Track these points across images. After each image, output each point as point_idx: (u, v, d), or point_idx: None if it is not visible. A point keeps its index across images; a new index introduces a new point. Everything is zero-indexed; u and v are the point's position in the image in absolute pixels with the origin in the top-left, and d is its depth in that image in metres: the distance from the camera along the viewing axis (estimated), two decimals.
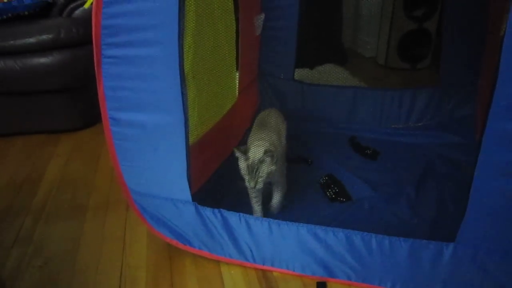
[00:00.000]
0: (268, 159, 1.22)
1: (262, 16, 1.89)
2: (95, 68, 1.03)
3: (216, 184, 1.47)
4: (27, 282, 1.22)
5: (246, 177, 1.24)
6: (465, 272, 1.05)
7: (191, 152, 1.15)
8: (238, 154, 1.24)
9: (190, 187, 1.16)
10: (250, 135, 1.40)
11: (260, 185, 1.24)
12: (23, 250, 1.34)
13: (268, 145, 1.28)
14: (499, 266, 1.02)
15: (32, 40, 1.89)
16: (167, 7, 0.94)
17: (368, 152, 1.81)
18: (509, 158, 0.89)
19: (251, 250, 1.20)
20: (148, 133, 1.09)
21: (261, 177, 1.22)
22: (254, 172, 1.21)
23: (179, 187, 1.16)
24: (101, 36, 0.99)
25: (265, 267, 1.22)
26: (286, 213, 1.39)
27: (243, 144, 1.54)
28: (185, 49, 1.05)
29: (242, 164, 1.24)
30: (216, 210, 1.18)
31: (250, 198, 1.34)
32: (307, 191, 1.55)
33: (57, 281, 1.22)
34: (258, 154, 1.23)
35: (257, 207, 1.35)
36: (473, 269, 1.04)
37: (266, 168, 1.22)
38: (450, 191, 1.51)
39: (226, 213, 1.18)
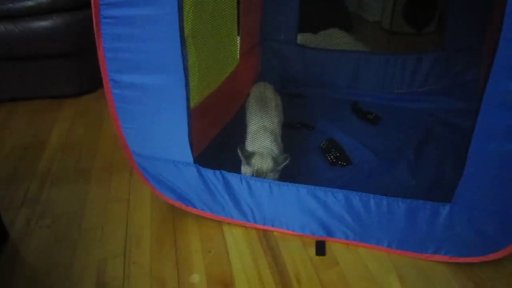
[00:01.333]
0: (278, 168, 1.23)
1: None
2: (94, 30, 1.02)
3: (218, 147, 1.48)
4: (35, 240, 1.26)
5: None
6: (460, 232, 1.08)
7: (192, 115, 1.16)
8: (242, 159, 1.23)
9: (191, 149, 1.17)
10: (251, 118, 1.39)
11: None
12: (31, 210, 1.38)
13: (275, 147, 1.28)
14: (494, 226, 1.05)
15: (30, 3, 1.86)
16: None
17: (370, 117, 1.81)
18: (508, 120, 0.90)
19: (251, 211, 1.23)
20: (149, 95, 1.10)
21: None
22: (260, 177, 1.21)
23: (181, 149, 1.17)
24: None
25: (265, 227, 1.25)
26: (287, 175, 1.41)
27: (244, 109, 1.55)
28: (185, 10, 1.04)
29: (247, 170, 1.23)
30: (217, 172, 1.20)
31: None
32: (308, 155, 1.56)
33: (65, 239, 1.26)
34: (266, 163, 1.22)
35: None
36: (468, 229, 1.07)
37: (272, 176, 1.23)
38: (451, 156, 1.52)
39: (227, 175, 1.20)
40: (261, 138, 1.31)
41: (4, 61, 1.99)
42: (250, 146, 1.31)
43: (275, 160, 1.24)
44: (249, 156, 1.24)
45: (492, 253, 1.08)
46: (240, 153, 1.23)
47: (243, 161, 1.24)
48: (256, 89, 1.50)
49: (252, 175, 1.22)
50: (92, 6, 0.98)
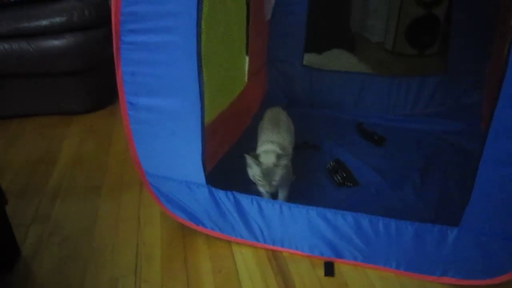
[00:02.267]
0: (282, 163, 1.26)
1: (273, 1, 1.90)
2: (114, 54, 1.06)
3: (227, 165, 1.51)
4: (46, 258, 1.28)
5: (260, 182, 1.26)
6: (467, 255, 1.10)
7: None
8: (250, 161, 1.26)
9: (204, 170, 1.20)
10: (262, 134, 1.43)
11: (274, 189, 1.27)
12: (42, 227, 1.40)
13: (278, 149, 1.31)
14: (500, 250, 1.07)
15: (45, 22, 1.91)
16: None
17: (375, 138, 1.84)
18: None
19: (261, 231, 1.25)
20: (164, 118, 1.13)
21: (275, 180, 1.25)
22: (270, 176, 1.24)
23: (194, 170, 1.20)
24: (121, 22, 1.02)
25: (275, 248, 1.27)
26: (294, 196, 1.43)
27: (251, 128, 1.58)
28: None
29: (256, 170, 1.26)
30: (229, 192, 1.23)
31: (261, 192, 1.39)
32: (315, 176, 1.59)
33: (76, 257, 1.28)
34: (271, 158, 1.25)
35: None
36: (475, 253, 1.09)
37: (280, 171, 1.25)
38: (455, 178, 1.54)
39: (239, 195, 1.22)
40: (268, 145, 1.34)
41: (16, 78, 2.03)
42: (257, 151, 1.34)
43: (278, 156, 1.26)
44: (256, 157, 1.27)
45: (498, 277, 1.10)
46: (248, 158, 1.26)
47: (250, 164, 1.27)
48: (270, 113, 1.54)
49: (262, 174, 1.24)
50: (113, 32, 1.02)
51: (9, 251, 1.26)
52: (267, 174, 1.24)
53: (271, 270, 1.21)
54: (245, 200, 1.22)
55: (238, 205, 1.23)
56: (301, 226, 1.21)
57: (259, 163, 1.24)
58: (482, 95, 1.88)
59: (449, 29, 1.98)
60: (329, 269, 1.21)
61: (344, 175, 1.56)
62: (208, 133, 1.34)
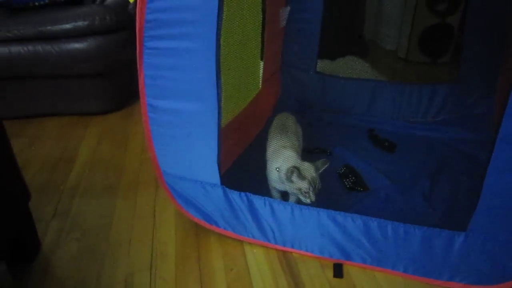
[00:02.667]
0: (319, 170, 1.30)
1: (288, 8, 1.94)
2: (137, 58, 1.11)
3: (241, 167, 1.55)
4: (65, 252, 1.33)
5: (307, 194, 1.27)
6: (474, 260, 1.12)
7: None
8: (294, 178, 1.27)
9: (219, 171, 1.24)
10: (270, 139, 1.47)
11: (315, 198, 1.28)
12: (61, 223, 1.46)
13: (296, 156, 1.36)
14: (507, 255, 1.09)
15: (68, 26, 1.98)
16: (207, 3, 1.02)
17: (386, 144, 1.87)
18: None
19: (273, 232, 1.29)
20: (183, 120, 1.18)
21: (319, 187, 1.29)
22: (316, 186, 1.28)
23: (209, 171, 1.25)
24: (144, 29, 1.07)
25: (285, 248, 1.31)
26: None
27: (264, 132, 1.62)
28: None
29: (302, 184, 1.27)
30: (242, 194, 1.27)
31: (272, 193, 1.43)
32: (326, 180, 1.60)
33: (93, 252, 1.33)
34: (310, 169, 1.29)
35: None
36: (482, 258, 1.11)
37: (317, 177, 1.29)
38: (464, 185, 1.56)
39: (252, 197, 1.27)
40: (284, 154, 1.37)
41: (38, 79, 2.11)
42: (274, 163, 1.37)
43: (316, 166, 1.31)
44: (292, 172, 1.27)
45: (505, 282, 1.12)
46: (293, 174, 1.27)
47: (294, 180, 1.27)
48: (278, 118, 1.58)
49: (309, 187, 1.26)
50: (137, 38, 1.08)
51: (30, 244, 1.32)
52: (315, 185, 1.27)
53: (282, 270, 1.25)
54: (258, 201, 1.26)
55: (251, 205, 1.27)
56: (311, 228, 1.24)
57: (304, 178, 1.27)
58: (493, 104, 1.90)
59: (462, 38, 2.00)
60: (338, 270, 1.24)
61: (355, 179, 1.59)
62: (223, 136, 1.38)
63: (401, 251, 1.19)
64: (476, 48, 1.90)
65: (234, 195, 1.27)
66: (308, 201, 1.27)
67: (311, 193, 1.26)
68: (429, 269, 1.19)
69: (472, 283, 1.16)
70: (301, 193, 1.28)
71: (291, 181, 1.28)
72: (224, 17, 1.28)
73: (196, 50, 1.06)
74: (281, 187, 1.37)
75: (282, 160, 1.35)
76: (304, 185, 1.27)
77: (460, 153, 1.81)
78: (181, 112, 1.16)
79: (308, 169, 1.29)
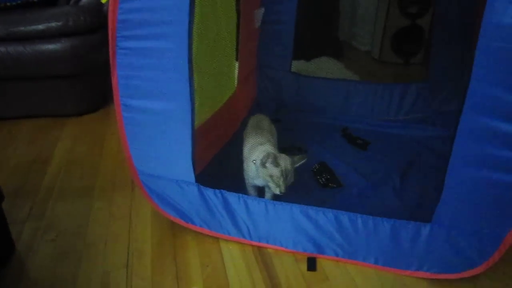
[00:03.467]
0: (293, 168, 1.32)
1: (262, 10, 1.98)
2: (110, 58, 1.12)
3: (216, 166, 1.57)
4: (40, 254, 1.33)
5: (276, 183, 1.28)
6: (440, 250, 1.18)
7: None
8: (268, 164, 1.28)
9: (194, 169, 1.26)
10: (246, 138, 1.49)
11: (286, 190, 1.29)
12: (36, 225, 1.45)
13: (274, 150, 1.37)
14: (470, 245, 1.14)
15: (41, 27, 1.97)
16: (179, 3, 1.04)
17: (359, 142, 1.92)
18: (479, 150, 1.01)
19: (248, 228, 1.32)
20: (156, 119, 1.19)
21: (292, 180, 1.31)
22: (288, 177, 1.29)
23: (184, 169, 1.26)
24: (117, 29, 1.08)
25: (260, 244, 1.33)
26: (280, 197, 1.49)
27: (240, 132, 1.65)
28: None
29: (275, 171, 1.27)
30: (217, 191, 1.29)
31: (247, 190, 1.45)
32: (300, 177, 1.64)
33: (69, 253, 1.33)
34: (286, 160, 1.30)
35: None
36: (447, 248, 1.17)
37: (292, 174, 1.31)
38: (433, 180, 1.62)
39: (227, 194, 1.29)
40: (261, 148, 1.38)
41: (12, 81, 2.08)
42: (251, 158, 1.38)
43: (292, 159, 1.32)
44: (267, 157, 1.28)
45: (469, 270, 1.18)
46: (268, 159, 1.27)
47: (268, 166, 1.28)
48: (253, 119, 1.60)
49: (281, 175, 1.27)
50: (110, 38, 1.09)
51: (4, 247, 1.30)
52: (286, 175, 1.28)
53: (257, 265, 1.28)
54: (232, 198, 1.29)
55: (225, 202, 1.30)
56: (285, 223, 1.28)
57: (278, 165, 1.28)
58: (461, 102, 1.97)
59: (431, 39, 2.07)
60: (312, 264, 1.27)
61: (328, 177, 1.64)
62: (198, 135, 1.40)
63: (371, 243, 1.24)
64: (444, 48, 1.98)
65: (209, 192, 1.29)
66: (277, 191, 1.28)
67: (281, 183, 1.27)
68: (398, 260, 1.24)
69: (438, 272, 1.21)
70: (272, 180, 1.28)
71: (265, 167, 1.28)
72: (197, 18, 1.31)
73: (168, 50, 1.08)
74: (258, 181, 1.39)
75: (259, 152, 1.37)
76: (276, 172, 1.27)
77: (430, 150, 1.87)
78: (155, 111, 1.18)
79: (284, 159, 1.31)
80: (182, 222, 1.37)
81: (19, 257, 1.32)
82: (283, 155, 1.33)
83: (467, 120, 0.99)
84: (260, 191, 1.47)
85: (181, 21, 1.05)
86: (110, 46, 1.10)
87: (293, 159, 1.33)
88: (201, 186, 1.29)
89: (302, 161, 1.35)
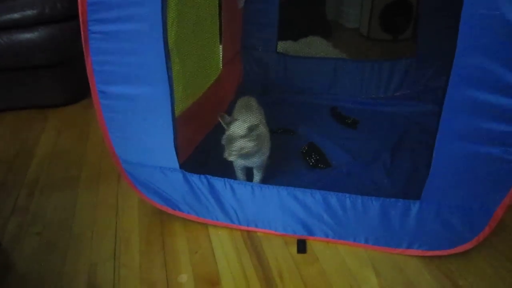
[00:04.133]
0: (247, 138, 1.26)
1: None
2: (83, 44, 1.07)
3: (203, 152, 1.54)
4: (26, 247, 1.30)
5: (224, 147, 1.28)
6: (430, 227, 1.16)
7: (178, 123, 1.22)
8: (222, 123, 1.29)
9: (177, 155, 1.23)
10: (234, 114, 1.45)
11: (233, 158, 1.28)
12: (21, 218, 1.42)
13: (254, 121, 1.31)
14: (460, 220, 1.13)
15: (16, 15, 1.90)
16: None
17: (348, 121, 1.90)
18: (466, 123, 0.99)
19: (236, 213, 1.30)
20: (135, 105, 1.16)
21: (234, 151, 1.26)
22: (230, 145, 1.26)
23: (167, 156, 1.23)
24: (87, 12, 1.03)
25: (249, 228, 1.32)
26: (269, 179, 1.47)
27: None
28: (168, 23, 1.10)
29: (224, 136, 1.28)
30: (202, 176, 1.26)
31: (235, 171, 1.42)
32: (289, 159, 1.64)
33: (55, 245, 1.30)
34: (240, 129, 1.27)
35: (240, 178, 1.42)
36: (437, 224, 1.15)
37: (242, 144, 1.25)
38: (423, 156, 1.60)
39: (212, 179, 1.26)
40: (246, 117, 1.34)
41: None
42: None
43: (250, 128, 1.26)
44: (229, 122, 1.28)
45: (459, 246, 1.17)
46: (220, 119, 1.27)
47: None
48: (241, 101, 1.57)
49: (225, 140, 1.26)
50: (81, 22, 1.04)
51: None
52: (229, 141, 1.25)
53: (246, 249, 1.26)
54: (218, 182, 1.26)
55: (211, 188, 1.27)
56: (273, 206, 1.26)
57: (227, 129, 1.27)
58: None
59: (418, 14, 2.03)
60: (302, 246, 1.26)
61: (317, 157, 1.61)
62: (184, 120, 1.37)
63: (361, 223, 1.22)
64: (431, 22, 1.94)
65: (194, 178, 1.26)
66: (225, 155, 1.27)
67: (226, 148, 1.26)
68: (388, 238, 1.22)
69: (429, 249, 1.20)
70: (222, 143, 1.28)
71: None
72: (175, 1, 1.26)
73: (142, 32, 1.03)
74: (244, 162, 1.36)
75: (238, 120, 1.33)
76: (223, 136, 1.27)
77: (420, 126, 1.85)
78: (133, 97, 1.14)
79: (238, 126, 1.26)
80: (169, 210, 1.35)
81: (5, 251, 1.30)
82: (237, 123, 1.28)
83: (453, 93, 0.97)
84: (249, 174, 1.45)
85: (154, 1, 1.00)
86: (82, 31, 1.05)
87: (254, 129, 1.27)
88: (186, 172, 1.26)
89: (257, 130, 1.27)
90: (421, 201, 1.14)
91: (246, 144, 1.26)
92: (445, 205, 1.12)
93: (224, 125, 1.29)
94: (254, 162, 1.36)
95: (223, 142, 1.28)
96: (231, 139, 1.26)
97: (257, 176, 1.42)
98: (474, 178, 1.06)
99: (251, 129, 1.25)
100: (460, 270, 1.18)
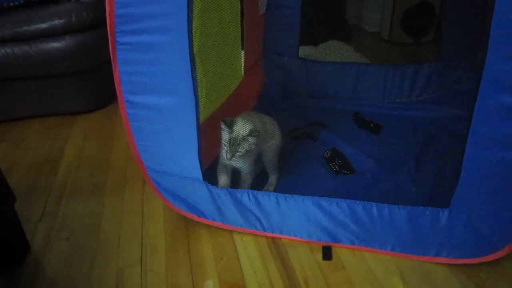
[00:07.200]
0: (251, 139, 1.28)
1: None
2: (111, 55, 1.10)
3: None
4: (55, 252, 1.33)
5: (225, 148, 1.29)
6: (459, 235, 1.14)
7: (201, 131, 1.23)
8: (223, 126, 1.29)
9: (201, 166, 1.24)
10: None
11: (235, 159, 1.30)
12: (49, 224, 1.45)
13: (254, 125, 1.32)
14: (491, 228, 1.10)
15: (44, 25, 1.95)
16: None
17: (371, 126, 1.88)
18: (497, 129, 0.96)
19: (260, 222, 1.30)
20: (161, 115, 1.17)
21: (240, 152, 1.28)
22: (235, 146, 1.27)
23: (191, 166, 1.24)
24: (115, 24, 1.05)
25: (274, 235, 1.32)
26: (293, 186, 1.46)
27: None
28: (192, 32, 1.11)
29: (225, 136, 1.29)
30: (225, 190, 1.28)
31: (217, 169, 1.39)
32: (313, 165, 1.63)
33: (83, 250, 1.33)
34: (244, 130, 1.28)
35: (223, 180, 1.38)
36: (467, 232, 1.13)
37: (247, 146, 1.28)
38: (450, 162, 1.57)
39: (236, 192, 1.27)
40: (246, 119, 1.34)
41: (19, 81, 2.08)
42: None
43: (251, 131, 1.29)
44: (231, 123, 1.29)
45: (490, 254, 1.14)
46: (221, 122, 1.29)
47: (223, 128, 1.30)
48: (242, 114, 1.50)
49: (229, 141, 1.27)
50: (109, 33, 1.06)
51: (19, 246, 1.31)
52: (233, 143, 1.27)
53: (271, 256, 1.26)
54: (242, 195, 1.27)
55: (235, 200, 1.27)
56: (298, 215, 1.25)
57: (231, 131, 1.28)
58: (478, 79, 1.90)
59: (442, 16, 2.00)
60: (327, 253, 1.25)
61: (341, 163, 1.60)
62: (207, 129, 1.38)
63: (388, 230, 1.20)
64: (455, 25, 1.90)
65: (218, 191, 1.27)
66: (223, 155, 1.30)
67: (226, 148, 1.28)
68: (416, 246, 1.20)
69: (458, 257, 1.18)
70: (223, 144, 1.30)
71: (223, 130, 1.30)
72: (198, 8, 1.27)
73: (168, 43, 1.05)
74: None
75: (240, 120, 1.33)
76: (225, 136, 1.29)
77: (445, 131, 1.82)
78: (159, 107, 1.16)
79: (242, 127, 1.29)
80: (194, 217, 1.36)
81: (35, 257, 1.33)
82: (239, 121, 1.30)
83: (484, 98, 0.95)
84: (234, 177, 1.43)
85: (180, 13, 1.01)
86: (110, 42, 1.08)
87: (257, 132, 1.29)
88: (209, 184, 1.27)
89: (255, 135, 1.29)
90: (450, 209, 1.12)
91: (251, 147, 1.29)
92: (475, 213, 1.09)
93: (224, 127, 1.29)
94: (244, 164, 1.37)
95: (225, 143, 1.29)
96: (236, 142, 1.27)
97: (245, 183, 1.41)
98: (505, 185, 1.03)
99: (253, 130, 1.28)
100: (491, 279, 1.15)
